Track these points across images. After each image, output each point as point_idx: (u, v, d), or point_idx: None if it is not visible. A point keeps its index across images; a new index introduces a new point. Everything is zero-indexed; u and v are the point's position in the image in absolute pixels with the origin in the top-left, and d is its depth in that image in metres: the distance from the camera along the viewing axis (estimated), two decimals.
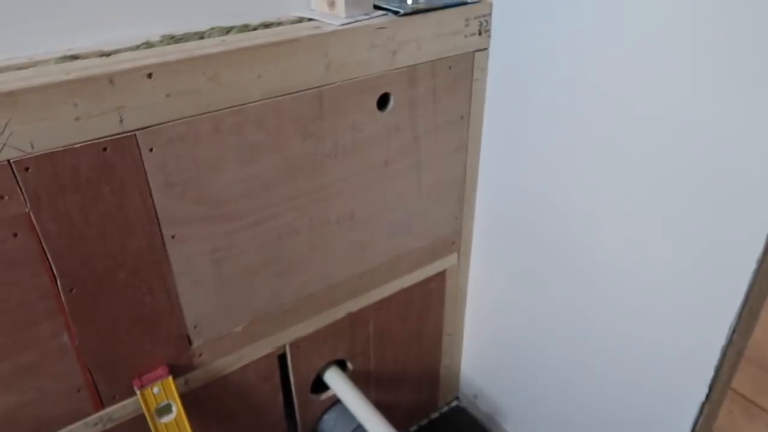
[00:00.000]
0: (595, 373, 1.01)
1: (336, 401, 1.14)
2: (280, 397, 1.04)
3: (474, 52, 0.97)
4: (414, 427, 1.36)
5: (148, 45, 0.74)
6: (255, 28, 0.81)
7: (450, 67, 0.95)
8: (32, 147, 0.62)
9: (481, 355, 1.32)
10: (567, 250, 0.97)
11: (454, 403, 1.41)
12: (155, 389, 0.83)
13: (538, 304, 1.08)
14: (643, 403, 0.94)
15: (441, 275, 1.18)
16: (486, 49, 0.98)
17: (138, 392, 0.82)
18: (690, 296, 0.80)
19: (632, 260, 0.87)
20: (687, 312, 0.82)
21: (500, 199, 1.08)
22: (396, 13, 0.85)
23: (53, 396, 0.77)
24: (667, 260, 0.82)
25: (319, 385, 1.11)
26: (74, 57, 0.69)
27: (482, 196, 1.12)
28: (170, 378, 0.84)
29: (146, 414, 0.82)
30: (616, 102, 0.81)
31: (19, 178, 0.63)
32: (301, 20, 0.85)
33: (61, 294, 0.71)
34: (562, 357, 1.07)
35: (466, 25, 0.93)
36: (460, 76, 0.97)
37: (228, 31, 0.79)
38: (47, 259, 0.68)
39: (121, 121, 0.67)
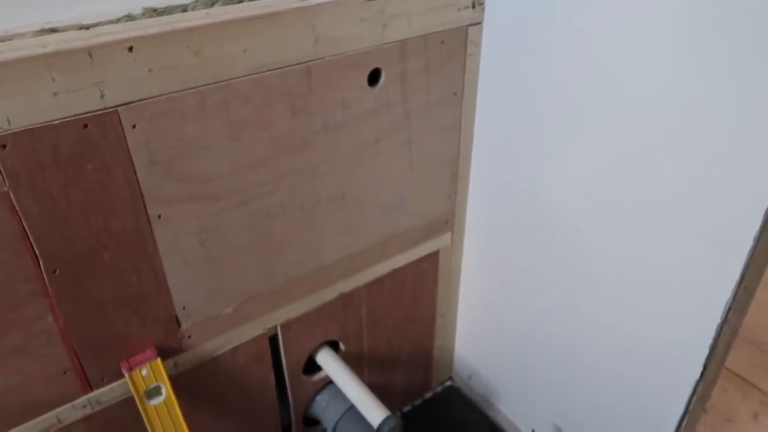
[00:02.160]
0: (590, 352, 1.01)
1: (329, 382, 1.13)
2: (272, 378, 1.04)
3: (467, 26, 0.94)
4: (407, 407, 1.35)
5: (130, 18, 0.71)
6: (240, 1, 0.78)
7: (442, 42, 0.92)
8: (9, 123, 0.60)
9: (475, 335, 1.31)
10: (562, 228, 0.96)
11: (448, 384, 1.41)
12: (144, 371, 0.82)
13: (533, 284, 1.07)
14: (637, 382, 0.93)
15: (434, 255, 1.16)
16: (480, 23, 0.95)
17: (126, 374, 0.81)
18: (686, 275, 0.80)
19: (628, 240, 0.86)
20: (682, 290, 0.81)
21: (494, 177, 1.07)
22: None
23: (40, 378, 0.75)
24: (664, 239, 0.81)
25: (312, 367, 1.10)
26: (52, 30, 0.66)
27: (476, 174, 1.11)
28: (159, 360, 0.83)
29: (135, 396, 0.81)
30: (613, 80, 0.79)
31: None
32: None
33: (44, 275, 0.69)
34: (557, 337, 1.07)
35: None
36: (453, 52, 0.95)
37: (213, 3, 0.77)
38: (28, 239, 0.66)
39: (102, 97, 0.64)
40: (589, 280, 0.95)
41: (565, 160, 0.90)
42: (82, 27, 0.68)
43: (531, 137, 0.95)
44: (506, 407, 1.30)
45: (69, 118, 0.63)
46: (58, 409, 0.79)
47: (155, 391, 0.83)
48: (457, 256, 1.21)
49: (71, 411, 0.80)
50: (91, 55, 0.62)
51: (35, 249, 0.67)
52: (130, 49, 0.64)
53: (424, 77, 0.93)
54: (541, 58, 0.87)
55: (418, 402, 1.36)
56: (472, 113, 1.04)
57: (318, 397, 1.13)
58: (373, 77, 0.87)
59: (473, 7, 0.93)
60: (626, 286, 0.89)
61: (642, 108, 0.76)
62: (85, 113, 0.64)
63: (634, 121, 0.78)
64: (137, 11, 0.73)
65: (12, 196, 0.63)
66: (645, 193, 0.80)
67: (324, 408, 1.11)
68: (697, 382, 0.84)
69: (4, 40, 0.64)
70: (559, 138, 0.90)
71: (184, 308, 0.84)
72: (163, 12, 0.74)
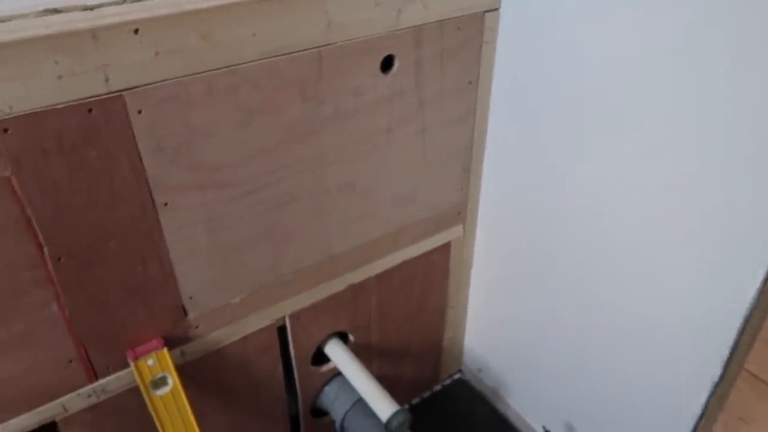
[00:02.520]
0: (604, 348, 0.98)
1: (337, 373, 1.11)
2: (280, 369, 1.02)
3: (484, 12, 0.91)
4: (416, 400, 1.34)
5: None
6: None
7: (458, 28, 0.90)
8: (11, 107, 0.58)
9: (486, 328, 1.29)
10: (577, 222, 0.93)
11: (457, 376, 1.39)
12: (150, 361, 0.81)
13: (545, 278, 1.05)
14: (653, 381, 0.91)
15: (445, 247, 1.14)
16: (497, 9, 0.92)
17: (132, 364, 0.79)
18: (709, 272, 0.77)
19: (645, 234, 0.83)
20: (704, 288, 0.78)
21: (508, 168, 1.04)
22: None
23: (45, 367, 0.74)
24: (686, 233, 0.78)
25: (320, 357, 1.09)
26: (55, 10, 0.64)
27: (489, 166, 1.08)
28: (165, 350, 0.81)
29: (141, 386, 0.80)
30: (635, 72, 0.76)
31: None
32: None
33: (49, 263, 0.68)
34: (569, 332, 1.04)
35: None
36: (469, 38, 0.92)
37: None
38: (32, 226, 0.65)
39: (106, 81, 0.62)
40: (604, 275, 0.92)
41: (582, 154, 0.87)
42: (86, 8, 0.65)
43: (547, 129, 0.92)
44: (516, 401, 1.28)
45: (73, 103, 0.62)
46: (64, 398, 0.78)
47: (161, 381, 0.82)
48: (468, 248, 1.19)
49: (77, 400, 0.79)
50: (95, 37, 0.60)
51: (39, 236, 0.66)
52: (136, 31, 0.62)
53: (439, 65, 0.90)
54: (561, 46, 0.84)
55: (426, 394, 1.35)
56: (487, 102, 1.01)
57: (326, 389, 1.12)
58: (386, 64, 0.85)
59: None
60: (644, 282, 0.86)
61: (670, 103, 0.73)
62: (89, 97, 0.62)
63: (661, 116, 0.75)
64: None
65: (14, 182, 0.62)
66: (666, 186, 0.78)
67: (332, 399, 1.10)
68: (716, 383, 0.81)
69: (5, 21, 0.62)
70: (578, 130, 0.87)
71: (191, 298, 0.83)
72: None
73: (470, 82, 0.97)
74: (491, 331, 1.28)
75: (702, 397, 0.84)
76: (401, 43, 0.84)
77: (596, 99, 0.82)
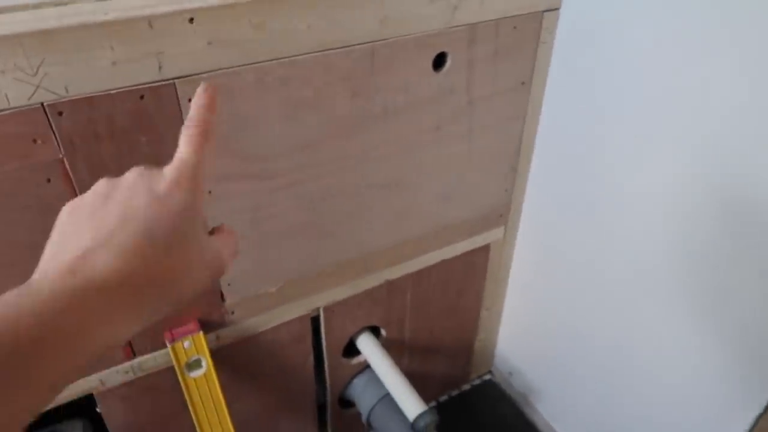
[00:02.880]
0: (644, 366, 0.95)
1: (367, 366, 1.12)
2: (311, 358, 1.03)
3: (543, 11, 0.88)
4: (444, 397, 1.33)
5: None
6: None
7: (515, 27, 0.87)
8: (66, 90, 0.59)
9: (520, 333, 1.27)
10: (625, 234, 0.90)
11: (487, 378, 1.38)
12: (186, 343, 0.82)
13: (586, 288, 1.02)
14: (692, 405, 0.88)
15: (485, 249, 1.12)
16: (557, 9, 0.89)
17: (169, 345, 0.81)
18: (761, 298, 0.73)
19: (701, 251, 0.79)
20: (756, 315, 0.75)
21: (555, 173, 1.01)
22: None
23: None
24: (742, 257, 0.74)
25: (351, 350, 1.09)
26: None
27: (536, 169, 1.05)
28: (201, 333, 0.83)
29: (176, 367, 0.82)
30: (708, 81, 0.72)
31: (52, 123, 0.60)
32: None
33: None
34: (606, 345, 1.02)
35: None
36: (525, 38, 0.89)
37: None
38: None
39: (159, 68, 0.63)
40: (647, 290, 0.89)
41: (639, 163, 0.84)
42: None
43: (602, 134, 0.89)
44: (545, 408, 1.26)
45: (126, 89, 0.62)
46: (102, 372, 0.80)
47: (196, 364, 0.84)
48: (508, 251, 1.17)
49: (114, 375, 0.81)
50: (151, 25, 0.60)
51: None
52: (191, 20, 0.62)
53: (492, 64, 0.88)
54: (623, 51, 0.81)
55: (455, 393, 1.34)
56: (539, 104, 0.98)
57: (355, 381, 1.12)
58: (438, 61, 0.83)
59: None
60: (692, 302, 0.83)
61: (732, 128, 0.70)
62: (141, 84, 0.63)
63: (721, 135, 0.71)
64: None
65: (66, 164, 0.63)
66: (722, 204, 0.74)
67: (361, 392, 1.10)
68: (759, 416, 0.78)
69: (65, 4, 0.63)
70: (635, 139, 0.83)
71: (229, 284, 0.83)
72: None
73: (523, 83, 0.94)
74: (525, 335, 1.26)
75: (750, 416, 0.80)
76: (455, 41, 0.82)
77: (658, 108, 0.78)
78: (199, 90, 0.40)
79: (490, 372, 1.39)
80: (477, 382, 1.37)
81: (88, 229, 0.33)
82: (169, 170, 0.37)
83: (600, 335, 1.02)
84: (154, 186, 0.35)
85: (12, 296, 0.29)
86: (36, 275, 0.32)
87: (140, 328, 0.32)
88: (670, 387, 0.92)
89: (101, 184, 0.37)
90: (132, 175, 0.37)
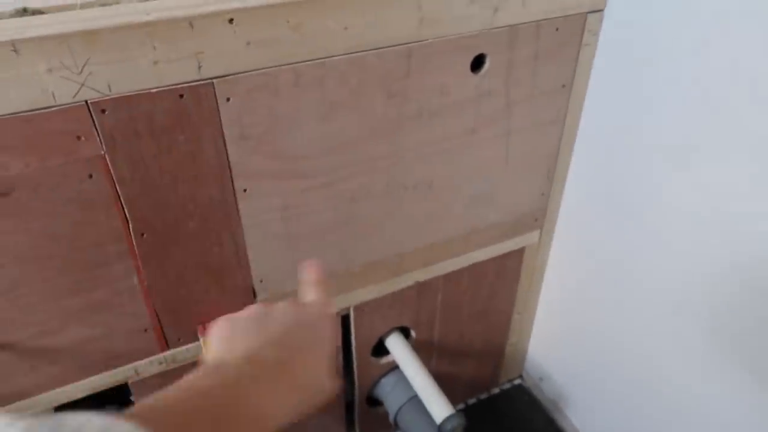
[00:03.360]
0: (673, 376, 0.93)
1: (395, 367, 1.12)
2: (340, 357, 1.04)
3: (587, 13, 0.86)
4: (473, 400, 1.33)
5: None
6: None
7: (557, 29, 0.85)
8: (109, 89, 0.60)
9: (552, 338, 1.25)
10: (664, 244, 0.88)
11: (517, 382, 1.36)
12: None
13: (621, 296, 1.00)
14: (722, 416, 0.85)
15: (519, 252, 1.11)
16: (601, 10, 0.87)
17: (201, 339, 0.83)
18: None
19: (732, 274, 0.77)
20: None
21: (594, 178, 0.99)
22: None
23: (122, 333, 0.78)
24: None
25: (380, 349, 1.09)
26: None
27: (574, 174, 1.03)
28: None
29: None
30: (757, 91, 0.69)
31: (95, 120, 0.61)
32: None
33: (133, 238, 0.71)
34: (638, 354, 0.99)
35: None
36: (567, 40, 0.87)
37: None
38: (120, 202, 0.68)
39: (199, 68, 0.64)
40: (687, 305, 0.86)
41: (681, 171, 0.81)
42: None
43: (646, 139, 0.86)
44: (575, 416, 1.24)
45: (166, 88, 0.63)
46: (137, 363, 0.82)
47: None
48: (543, 255, 1.15)
49: (148, 366, 0.83)
50: (192, 25, 0.61)
51: (126, 212, 0.69)
52: (231, 20, 0.63)
53: (532, 66, 0.86)
54: (670, 57, 0.78)
55: (484, 396, 1.33)
56: (579, 108, 0.96)
57: (383, 380, 1.13)
58: (477, 63, 0.82)
59: None
60: (731, 318, 0.80)
61: None
62: (181, 83, 0.64)
63: None
64: None
65: (108, 160, 0.65)
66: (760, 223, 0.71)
67: (389, 392, 1.11)
68: None
69: (110, 4, 0.64)
70: (677, 147, 0.81)
71: (261, 281, 0.84)
72: None
73: (564, 86, 0.92)
74: (557, 341, 1.24)
75: None
76: (494, 43, 0.81)
77: (705, 112, 0.76)
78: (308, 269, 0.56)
79: (520, 377, 1.37)
80: (507, 386, 1.36)
81: (255, 333, 0.44)
82: (316, 305, 0.51)
83: (633, 345, 1.00)
84: (304, 315, 0.48)
85: (200, 377, 0.38)
86: (212, 363, 0.41)
87: (292, 414, 0.41)
88: (700, 399, 0.89)
89: (256, 306, 0.48)
90: (284, 304, 0.49)
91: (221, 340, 0.44)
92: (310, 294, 0.52)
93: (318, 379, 0.44)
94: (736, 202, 0.75)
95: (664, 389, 0.96)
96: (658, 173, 0.85)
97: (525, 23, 0.81)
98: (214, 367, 0.40)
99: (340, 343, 1.01)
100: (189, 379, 0.38)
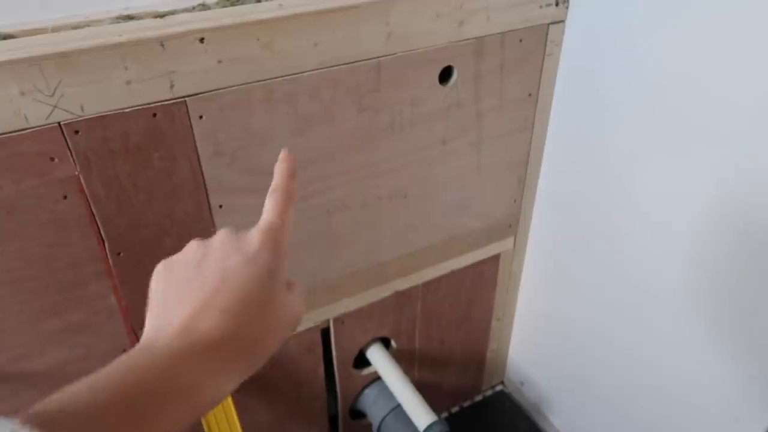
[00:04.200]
0: (655, 373, 0.95)
1: (377, 378, 1.12)
2: (322, 369, 1.04)
3: (549, 24, 0.89)
4: (456, 408, 1.33)
5: (204, 7, 0.71)
6: None
7: (521, 41, 0.88)
8: (82, 110, 0.61)
9: (531, 342, 1.27)
10: (634, 244, 0.90)
11: (499, 388, 1.38)
12: None
13: (597, 296, 1.02)
14: (709, 412, 0.87)
15: (495, 259, 1.13)
16: (562, 21, 0.90)
17: None
18: None
19: (712, 257, 0.79)
20: None
21: (564, 183, 1.02)
22: None
23: (100, 354, 0.78)
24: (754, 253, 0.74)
25: (362, 361, 1.10)
26: (129, 17, 0.67)
27: (545, 180, 1.06)
28: None
29: None
30: (711, 85, 0.72)
31: (69, 141, 0.62)
32: None
33: (109, 257, 0.71)
34: (619, 353, 1.01)
35: None
36: (531, 51, 0.90)
37: None
38: (96, 222, 0.68)
39: (171, 87, 0.65)
40: (663, 301, 0.89)
41: (646, 171, 0.84)
42: (157, 15, 0.68)
43: (610, 143, 0.89)
44: (558, 419, 1.25)
45: (139, 107, 0.64)
46: None
47: None
48: (518, 261, 1.17)
49: None
50: (163, 45, 0.62)
51: (101, 231, 0.69)
52: (202, 40, 0.64)
53: (499, 77, 0.89)
54: (629, 63, 0.81)
55: (467, 404, 1.34)
56: (546, 116, 0.99)
57: (366, 391, 1.13)
58: (445, 75, 0.84)
59: (557, 4, 0.87)
60: (706, 311, 0.83)
61: (747, 122, 0.70)
62: (154, 102, 0.65)
63: (731, 153, 0.71)
64: (212, 0, 0.73)
65: (82, 180, 0.65)
66: (740, 212, 0.74)
67: (371, 403, 1.11)
68: None
69: (83, 26, 0.65)
70: (641, 146, 0.84)
71: None
72: (237, 2, 0.73)
73: (530, 95, 0.95)
74: (537, 346, 1.26)
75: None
76: (461, 55, 0.83)
77: (665, 114, 0.79)
78: (282, 156, 0.45)
79: (502, 383, 1.39)
80: (489, 393, 1.37)
81: (190, 291, 0.37)
82: (256, 232, 0.40)
83: (612, 345, 1.02)
84: (243, 247, 0.38)
85: (134, 356, 0.34)
86: (148, 333, 0.37)
87: (238, 383, 0.36)
88: (685, 396, 0.91)
89: (192, 246, 0.40)
90: (221, 237, 0.40)
91: (158, 301, 0.39)
92: (268, 210, 0.42)
93: (272, 335, 0.37)
94: (697, 198, 0.78)
95: (645, 390, 0.98)
96: (624, 175, 0.88)
97: (490, 35, 0.84)
98: (145, 349, 0.34)
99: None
100: (116, 366, 0.33)
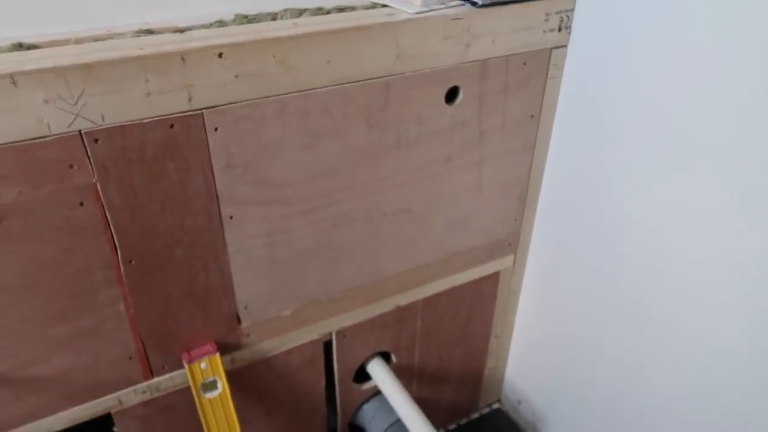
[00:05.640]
0: (652, 392, 0.96)
1: (377, 392, 1.13)
2: (323, 383, 1.05)
3: (551, 48, 0.92)
4: (453, 426, 1.34)
5: (221, 23, 0.73)
6: (328, 12, 0.80)
7: (524, 63, 0.91)
8: (103, 119, 0.63)
9: (529, 360, 1.28)
10: (632, 264, 0.92)
11: (496, 406, 1.38)
12: (203, 364, 0.84)
13: (595, 316, 1.04)
14: (708, 428, 0.89)
15: (494, 276, 1.14)
16: (564, 46, 0.93)
17: (186, 366, 0.83)
18: None
19: (712, 274, 0.81)
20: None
21: (564, 203, 1.04)
22: (474, 4, 0.82)
23: (107, 361, 0.79)
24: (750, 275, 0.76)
25: (362, 375, 1.10)
26: (149, 31, 0.69)
27: (545, 199, 1.08)
28: (218, 355, 0.85)
29: (192, 388, 0.84)
30: (707, 106, 0.75)
31: (88, 149, 0.64)
32: (374, 6, 0.83)
33: (121, 264, 0.73)
34: (615, 372, 1.03)
35: (546, 20, 0.89)
36: (534, 73, 0.93)
37: (301, 13, 0.78)
38: (110, 229, 0.70)
39: (189, 99, 0.67)
40: (659, 323, 0.91)
41: (644, 198, 0.87)
42: (176, 30, 0.71)
43: (609, 164, 0.91)
44: None
45: (157, 118, 0.66)
46: (121, 392, 0.82)
47: (211, 385, 0.86)
48: (517, 279, 1.19)
49: (132, 395, 0.83)
50: (183, 59, 0.64)
51: (115, 239, 0.71)
52: (220, 55, 0.66)
53: (502, 98, 0.92)
54: (627, 88, 0.84)
55: (464, 421, 1.35)
56: (548, 137, 1.02)
57: (365, 406, 1.14)
58: (451, 95, 0.87)
59: (559, 29, 0.91)
60: (700, 336, 0.84)
61: (740, 155, 0.72)
62: (172, 114, 0.67)
63: (728, 164, 0.74)
64: (229, 17, 0.75)
65: (99, 188, 0.67)
66: (735, 231, 0.76)
67: (371, 418, 1.12)
68: None
69: (105, 39, 0.67)
70: (640, 168, 0.86)
71: (245, 307, 0.86)
72: (253, 19, 0.76)
73: (532, 116, 0.98)
74: (534, 364, 1.27)
75: None
76: (467, 76, 0.86)
77: (664, 135, 0.81)
78: None
79: (498, 400, 1.39)
80: (486, 410, 1.37)
81: None
82: None
83: (609, 363, 1.04)
84: None
85: None
86: None
87: None
88: (680, 418, 0.92)
89: None
90: None
91: None
92: None
93: None
94: (697, 217, 0.80)
95: (642, 408, 0.99)
96: (623, 196, 0.91)
97: (495, 57, 0.87)
98: None
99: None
100: None
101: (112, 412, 0.84)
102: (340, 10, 0.81)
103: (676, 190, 0.81)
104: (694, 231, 0.81)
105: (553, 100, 0.98)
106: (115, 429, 0.87)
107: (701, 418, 0.89)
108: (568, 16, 0.91)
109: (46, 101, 0.59)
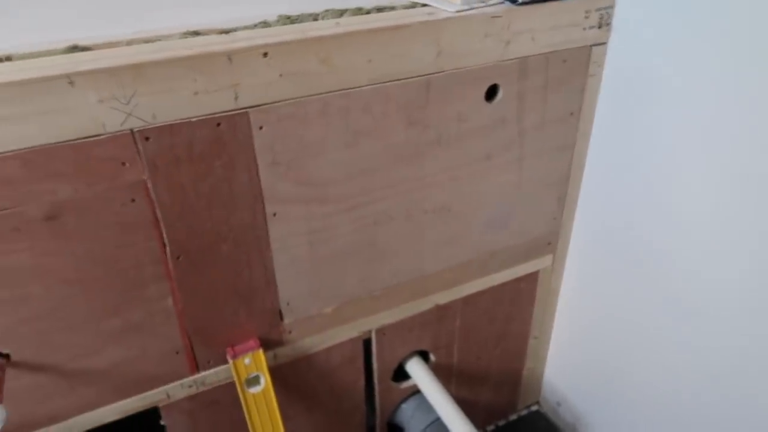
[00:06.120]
0: (692, 397, 0.94)
1: (416, 391, 1.13)
2: (362, 381, 1.05)
3: (591, 46, 0.91)
4: (491, 427, 1.33)
5: (265, 24, 0.75)
6: (368, 12, 0.81)
7: (564, 61, 0.90)
8: (154, 118, 0.65)
9: (568, 362, 1.26)
10: (674, 265, 0.90)
11: (535, 408, 1.37)
12: (246, 360, 0.86)
13: (636, 317, 1.02)
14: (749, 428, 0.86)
15: (533, 276, 1.14)
16: (605, 43, 0.92)
17: (230, 361, 0.85)
18: None
19: (747, 284, 0.79)
20: None
21: (604, 202, 1.02)
22: (513, 1, 0.82)
23: (155, 355, 0.81)
24: None
25: (400, 374, 1.11)
26: (196, 33, 0.71)
27: (585, 198, 1.07)
28: (261, 351, 0.86)
29: (237, 383, 0.85)
30: (750, 106, 0.73)
31: (140, 147, 0.66)
32: (414, 5, 0.83)
33: (169, 260, 0.75)
34: (655, 375, 1.01)
35: (586, 17, 0.88)
36: (574, 71, 0.92)
37: (342, 13, 0.79)
38: (159, 226, 0.72)
39: (235, 98, 0.68)
40: (701, 322, 0.89)
41: (685, 197, 0.85)
42: (222, 31, 0.72)
43: (648, 166, 0.90)
44: None
45: (205, 117, 0.68)
46: (168, 386, 0.85)
47: (255, 380, 0.87)
48: (557, 278, 1.17)
49: (179, 389, 0.85)
50: (230, 59, 0.66)
51: (164, 235, 0.73)
52: (265, 54, 0.68)
53: (542, 95, 0.91)
54: (669, 86, 0.83)
55: (502, 423, 1.34)
56: (588, 134, 1.01)
57: (404, 405, 1.14)
58: (491, 93, 0.87)
59: (599, 27, 0.90)
60: (741, 335, 0.82)
61: None
62: (219, 113, 0.68)
63: None
64: (272, 18, 0.77)
65: (149, 185, 0.69)
66: None
67: (410, 417, 1.12)
68: None
69: (153, 41, 0.69)
70: (682, 170, 0.85)
71: (288, 304, 0.87)
72: (296, 20, 0.77)
73: (572, 114, 0.97)
74: (574, 365, 1.25)
75: None
76: (507, 74, 0.86)
77: (708, 137, 0.80)
78: None
79: (537, 402, 1.38)
80: (524, 412, 1.36)
81: None
82: None
83: (649, 366, 1.02)
84: None
85: None
86: None
87: None
88: (719, 423, 0.90)
89: None
90: None
91: None
92: None
93: None
94: (748, 215, 0.78)
95: (682, 412, 0.97)
96: (665, 196, 0.89)
97: (535, 55, 0.87)
98: None
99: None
100: None
101: (160, 405, 0.86)
102: (380, 9, 0.81)
103: (724, 190, 0.80)
104: (742, 231, 0.79)
105: (594, 98, 0.97)
106: (161, 422, 0.89)
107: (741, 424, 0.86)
108: (608, 13, 0.90)
109: (100, 101, 0.61)
